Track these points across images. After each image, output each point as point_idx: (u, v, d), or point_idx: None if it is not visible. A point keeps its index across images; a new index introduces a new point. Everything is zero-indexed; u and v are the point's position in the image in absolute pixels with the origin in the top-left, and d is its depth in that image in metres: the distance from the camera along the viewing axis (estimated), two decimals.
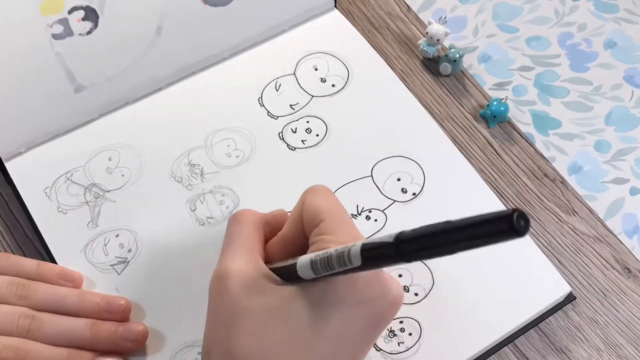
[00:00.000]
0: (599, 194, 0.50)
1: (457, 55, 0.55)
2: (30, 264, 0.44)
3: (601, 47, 0.59)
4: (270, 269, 0.37)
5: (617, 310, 0.47)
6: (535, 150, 0.53)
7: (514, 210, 0.25)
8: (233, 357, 0.34)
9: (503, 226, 0.25)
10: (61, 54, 0.48)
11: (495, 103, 0.53)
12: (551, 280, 0.45)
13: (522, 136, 0.53)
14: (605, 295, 0.48)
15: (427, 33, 0.55)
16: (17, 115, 0.48)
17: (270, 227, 0.40)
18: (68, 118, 0.49)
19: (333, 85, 0.52)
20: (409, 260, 0.29)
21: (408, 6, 0.58)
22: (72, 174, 0.48)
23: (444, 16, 0.57)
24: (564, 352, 0.46)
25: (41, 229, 0.46)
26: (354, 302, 0.35)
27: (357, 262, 0.32)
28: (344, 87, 0.52)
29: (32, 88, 0.48)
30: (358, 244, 0.32)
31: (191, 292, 0.44)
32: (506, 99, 0.54)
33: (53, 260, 0.45)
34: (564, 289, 0.45)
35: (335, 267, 0.33)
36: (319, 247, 0.35)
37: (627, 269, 0.49)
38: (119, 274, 0.45)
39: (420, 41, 0.56)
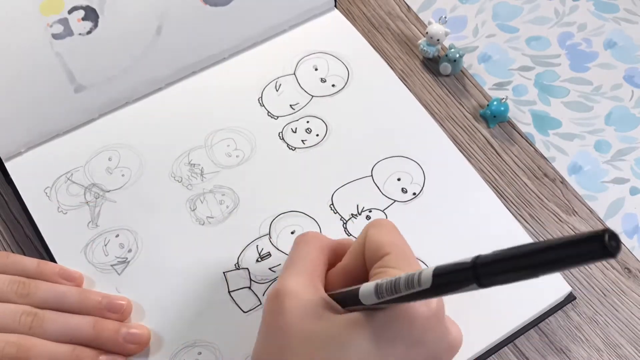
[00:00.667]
0: (599, 194, 0.50)
1: (457, 55, 0.55)
2: (30, 262, 0.44)
3: (601, 47, 0.59)
4: (329, 295, 0.37)
5: (617, 310, 0.47)
6: (535, 150, 0.53)
7: (605, 230, 0.24)
8: None
9: (594, 247, 0.24)
10: (61, 54, 0.48)
11: (495, 103, 0.53)
12: (551, 281, 0.45)
13: (522, 136, 0.53)
14: (605, 295, 0.48)
15: (427, 33, 0.55)
16: (17, 115, 0.47)
17: (335, 254, 0.40)
18: (68, 118, 0.49)
19: (333, 85, 0.52)
20: (485, 285, 0.28)
21: (408, 6, 0.58)
22: (72, 174, 0.48)
23: (444, 16, 0.57)
24: (564, 352, 0.46)
25: (41, 229, 0.46)
26: (412, 340, 0.34)
27: (426, 284, 0.30)
28: (344, 87, 0.52)
29: (32, 88, 0.48)
30: (431, 268, 0.31)
31: (192, 292, 0.44)
32: (506, 99, 0.54)
33: (53, 260, 0.45)
34: (564, 289, 0.45)
35: (401, 289, 0.32)
36: (382, 277, 0.34)
37: (627, 269, 0.49)
38: (119, 274, 0.45)
39: (420, 41, 0.56)
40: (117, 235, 0.46)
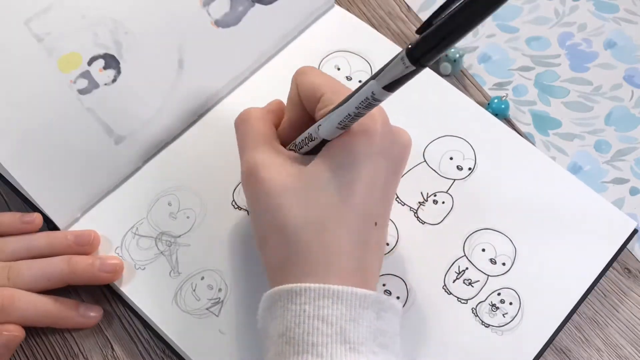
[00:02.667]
0: (599, 194, 0.50)
1: (457, 55, 0.55)
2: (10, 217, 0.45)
3: (601, 47, 0.59)
4: (288, 149, 0.41)
5: (617, 310, 0.48)
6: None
7: None
8: (291, 232, 0.37)
9: None
10: (92, 109, 0.46)
11: (496, 101, 0.54)
12: (616, 220, 0.48)
13: (522, 136, 0.53)
14: (605, 295, 0.48)
15: None
16: (66, 182, 0.46)
17: (276, 116, 0.43)
18: (115, 172, 0.47)
19: (360, 81, 0.52)
20: (421, 61, 0.30)
21: (408, 6, 0.58)
22: (137, 228, 0.47)
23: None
24: (564, 352, 0.46)
25: (125, 291, 0.45)
26: (372, 154, 0.38)
27: (377, 88, 0.33)
28: None
29: (73, 150, 0.46)
30: (374, 76, 0.33)
31: None
32: (506, 97, 0.54)
33: (151, 326, 0.45)
34: (631, 225, 0.48)
35: (356, 107, 0.35)
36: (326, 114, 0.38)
37: (627, 269, 0.49)
38: (217, 316, 0.44)
39: None
40: (203, 278, 0.45)
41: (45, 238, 0.45)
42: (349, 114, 0.36)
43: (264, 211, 0.39)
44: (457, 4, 0.29)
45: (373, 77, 0.33)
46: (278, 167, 0.39)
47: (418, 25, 0.57)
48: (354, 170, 0.38)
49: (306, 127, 0.41)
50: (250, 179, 0.40)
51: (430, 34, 0.30)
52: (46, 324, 0.44)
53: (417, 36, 0.31)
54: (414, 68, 0.31)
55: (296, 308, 0.36)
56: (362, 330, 0.36)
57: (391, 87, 0.33)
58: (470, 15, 0.28)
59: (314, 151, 0.40)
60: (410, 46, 0.31)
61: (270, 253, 0.39)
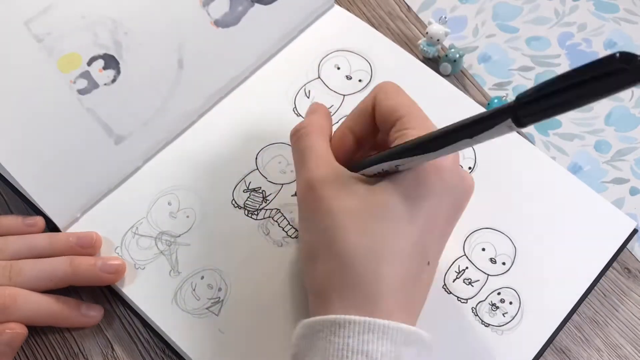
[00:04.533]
0: (599, 194, 0.50)
1: (457, 55, 0.55)
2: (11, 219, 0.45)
3: (601, 47, 0.59)
4: (352, 168, 0.40)
5: (617, 310, 0.48)
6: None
7: (628, 54, 0.25)
8: (343, 256, 0.36)
9: (627, 69, 0.25)
10: (92, 109, 0.46)
11: (496, 101, 0.54)
12: (616, 220, 0.48)
13: (522, 136, 0.53)
14: (605, 295, 0.48)
15: (427, 33, 0.55)
16: (65, 181, 0.46)
17: (329, 125, 0.43)
18: (115, 172, 0.47)
19: (360, 81, 0.52)
20: (524, 123, 0.29)
21: (408, 6, 0.58)
22: (136, 227, 0.47)
23: (444, 16, 0.57)
24: (564, 352, 0.46)
25: (125, 290, 0.45)
26: (440, 191, 0.38)
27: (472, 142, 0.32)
28: (370, 80, 0.52)
29: (73, 150, 0.46)
30: (467, 132, 0.32)
31: (290, 313, 0.44)
32: (506, 97, 0.54)
33: (149, 324, 0.45)
34: (631, 224, 0.48)
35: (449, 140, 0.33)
36: (404, 140, 0.37)
37: (627, 269, 0.49)
38: (217, 315, 0.44)
39: (420, 41, 0.56)
40: (203, 277, 0.45)
41: (47, 239, 0.45)
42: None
43: (320, 230, 0.38)
44: (575, 79, 0.27)
45: (466, 133, 0.32)
46: (340, 187, 0.38)
47: (418, 25, 0.57)
48: (420, 204, 0.37)
49: (368, 139, 0.40)
50: (310, 195, 0.39)
51: (542, 102, 0.28)
52: (48, 323, 0.44)
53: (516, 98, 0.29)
54: (517, 129, 0.30)
55: (339, 341, 0.34)
56: None
57: (483, 133, 0.32)
58: (589, 92, 0.27)
59: (376, 175, 0.39)
60: (516, 110, 0.29)
61: (318, 274, 0.38)
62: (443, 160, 0.38)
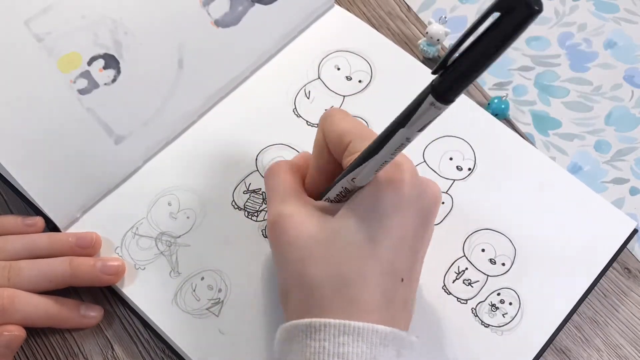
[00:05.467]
0: (599, 194, 0.50)
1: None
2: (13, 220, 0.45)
3: (601, 47, 0.59)
4: (318, 200, 0.40)
5: (617, 310, 0.48)
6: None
7: None
8: (313, 287, 0.36)
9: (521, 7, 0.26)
10: (92, 109, 0.46)
11: (496, 101, 0.54)
12: (616, 220, 0.48)
13: (522, 136, 0.53)
14: (605, 295, 0.48)
15: (427, 33, 0.55)
16: (65, 181, 0.45)
17: (304, 168, 0.42)
18: (115, 172, 0.47)
19: (360, 81, 0.52)
20: (449, 98, 0.30)
21: (408, 6, 0.58)
22: (137, 228, 0.47)
23: (444, 16, 0.57)
24: (564, 352, 0.46)
25: (125, 290, 0.45)
26: (400, 206, 0.37)
27: (410, 133, 0.32)
28: (370, 80, 0.52)
29: (72, 150, 0.46)
30: (401, 122, 0.33)
31: None
32: (506, 97, 0.54)
33: (149, 325, 0.45)
34: (631, 225, 0.48)
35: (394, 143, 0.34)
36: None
37: (627, 269, 0.49)
38: (217, 316, 0.44)
39: (420, 41, 0.56)
40: (203, 278, 0.45)
41: (46, 239, 0.45)
42: (386, 161, 0.35)
43: (288, 262, 0.38)
44: (473, 38, 0.28)
45: (400, 123, 0.33)
46: (304, 218, 0.38)
47: (418, 25, 0.57)
48: (381, 223, 0.37)
49: (333, 172, 0.40)
50: (276, 229, 0.39)
51: (451, 71, 0.29)
52: (47, 324, 0.44)
53: (433, 75, 0.30)
54: (446, 107, 0.30)
55: (315, 344, 0.35)
56: None
57: (423, 128, 0.32)
58: (487, 48, 0.28)
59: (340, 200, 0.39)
60: (433, 85, 0.30)
61: (292, 307, 0.38)
62: (397, 174, 0.37)
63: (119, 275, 0.45)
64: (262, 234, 0.47)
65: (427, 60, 0.56)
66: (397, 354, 0.36)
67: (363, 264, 0.36)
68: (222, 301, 0.45)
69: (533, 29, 0.59)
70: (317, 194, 0.41)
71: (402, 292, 0.38)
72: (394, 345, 0.35)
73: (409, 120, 0.32)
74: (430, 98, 0.30)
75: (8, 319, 0.42)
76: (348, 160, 0.38)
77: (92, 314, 0.44)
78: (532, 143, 0.53)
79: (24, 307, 0.42)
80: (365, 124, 0.40)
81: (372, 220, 0.37)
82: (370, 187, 0.37)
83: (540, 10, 0.26)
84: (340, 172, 0.39)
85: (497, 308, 0.45)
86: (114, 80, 0.47)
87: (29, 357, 0.45)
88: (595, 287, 0.48)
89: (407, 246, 0.38)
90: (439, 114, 0.31)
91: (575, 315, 0.47)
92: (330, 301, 0.36)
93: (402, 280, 0.38)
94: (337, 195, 0.39)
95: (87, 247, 0.45)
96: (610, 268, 0.48)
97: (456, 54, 0.29)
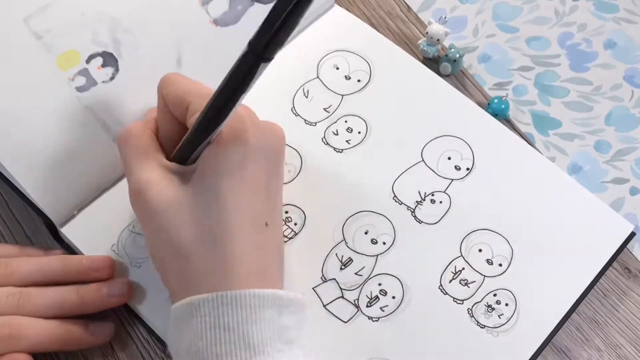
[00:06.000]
0: (599, 194, 0.50)
1: (457, 55, 0.55)
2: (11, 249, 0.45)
3: (601, 47, 0.59)
4: (172, 157, 0.40)
5: (617, 310, 0.47)
6: (536, 150, 0.53)
7: None
8: (183, 252, 0.37)
9: None
10: (90, 106, 0.46)
11: (496, 101, 0.54)
12: (613, 223, 0.48)
13: (522, 136, 0.53)
14: (605, 295, 0.48)
15: (427, 33, 0.55)
16: (62, 178, 0.45)
17: (156, 124, 0.43)
18: (111, 169, 0.47)
19: (359, 81, 0.52)
20: (267, 56, 0.33)
21: (408, 6, 0.58)
22: (133, 225, 0.46)
23: (444, 16, 0.57)
24: (564, 352, 0.46)
25: None
26: (249, 154, 0.39)
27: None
28: (369, 80, 0.52)
29: (70, 148, 0.45)
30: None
31: None
32: (506, 97, 0.54)
33: (144, 322, 0.45)
34: (628, 228, 0.48)
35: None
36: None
37: (627, 269, 0.49)
38: None
39: (420, 41, 0.56)
40: None
41: (60, 262, 0.44)
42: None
43: (156, 231, 0.39)
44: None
45: (239, 89, 0.36)
46: (163, 184, 0.39)
47: (418, 25, 0.57)
48: (233, 176, 0.38)
49: (181, 134, 0.41)
50: (138, 199, 0.39)
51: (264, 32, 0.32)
52: (57, 349, 0.43)
53: None
54: (264, 61, 0.34)
55: (197, 321, 0.36)
56: (265, 331, 0.36)
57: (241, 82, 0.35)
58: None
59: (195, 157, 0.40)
60: (251, 44, 0.33)
61: (169, 273, 0.39)
62: (239, 125, 0.39)
63: (126, 295, 0.44)
64: None
65: (427, 60, 0.56)
66: (279, 312, 0.37)
67: (225, 217, 0.37)
68: None
69: (533, 29, 0.59)
70: (169, 152, 0.42)
71: (269, 236, 0.39)
72: (274, 305, 0.36)
73: (247, 86, 0.35)
74: (248, 56, 0.34)
75: (15, 346, 0.41)
76: (192, 121, 0.39)
77: (102, 331, 0.44)
78: (532, 143, 0.53)
79: (32, 334, 0.41)
80: (204, 84, 0.42)
81: (225, 174, 0.38)
82: (218, 144, 0.38)
83: None
84: (186, 132, 0.40)
85: (493, 309, 0.45)
86: (112, 78, 0.47)
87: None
88: (595, 287, 0.48)
89: (262, 191, 0.39)
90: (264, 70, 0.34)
91: (575, 315, 0.47)
92: (203, 259, 0.37)
93: (267, 224, 0.39)
94: (188, 156, 0.40)
95: (101, 270, 0.44)
96: (610, 268, 0.48)
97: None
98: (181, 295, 0.38)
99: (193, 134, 0.39)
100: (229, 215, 0.38)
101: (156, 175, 0.39)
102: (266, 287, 0.37)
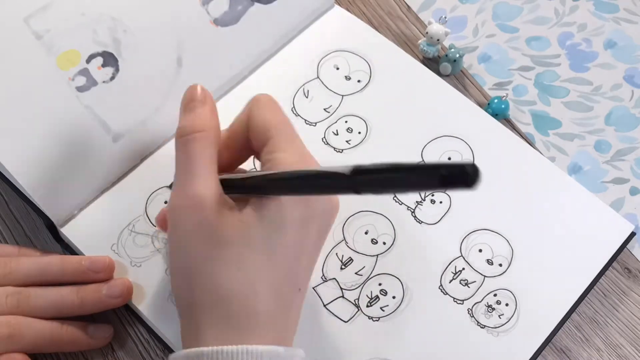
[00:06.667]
0: (599, 194, 0.50)
1: (457, 55, 0.55)
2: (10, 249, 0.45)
3: (601, 47, 0.59)
4: (221, 180, 0.38)
5: (617, 310, 0.47)
6: (536, 150, 0.53)
7: (467, 163, 0.26)
8: (220, 291, 0.36)
9: (457, 173, 0.27)
10: (90, 106, 0.46)
11: (496, 101, 0.54)
12: (614, 223, 0.48)
13: (522, 136, 0.53)
14: (605, 295, 0.48)
15: (427, 33, 0.55)
16: (62, 179, 0.45)
17: (219, 135, 0.40)
18: (112, 169, 0.47)
19: (359, 81, 0.52)
20: (359, 191, 0.31)
21: (408, 6, 0.58)
22: (133, 225, 0.46)
23: (444, 16, 0.57)
24: (564, 352, 0.46)
25: None
26: (306, 219, 0.37)
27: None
28: (369, 80, 0.52)
29: (71, 148, 0.45)
30: (318, 169, 0.34)
31: None
32: (506, 97, 0.54)
33: (143, 322, 0.45)
34: (628, 228, 0.48)
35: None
36: (272, 167, 0.37)
37: (627, 269, 0.49)
38: None
39: (420, 41, 0.56)
40: None
41: (59, 262, 0.44)
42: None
43: (200, 258, 0.37)
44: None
45: (314, 188, 0.34)
46: (221, 213, 0.36)
47: (418, 25, 0.57)
48: (286, 233, 0.36)
49: (240, 154, 0.40)
50: (194, 215, 0.36)
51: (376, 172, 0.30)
52: (55, 349, 0.44)
53: None
54: (352, 191, 0.31)
55: None
56: None
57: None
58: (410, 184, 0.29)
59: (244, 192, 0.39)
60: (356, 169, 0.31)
61: (192, 302, 0.37)
62: None
63: (127, 295, 0.44)
64: None
65: (427, 60, 0.56)
66: None
67: (269, 274, 0.36)
68: None
69: (533, 29, 0.59)
70: (221, 168, 0.39)
71: (298, 300, 0.38)
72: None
73: (325, 193, 0.34)
74: (347, 187, 0.31)
75: (14, 346, 0.41)
76: (267, 158, 0.37)
77: (101, 334, 0.44)
78: (532, 143, 0.53)
79: (32, 334, 0.41)
80: (292, 122, 0.40)
81: (278, 228, 0.36)
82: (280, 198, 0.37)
83: (469, 187, 0.27)
84: (248, 156, 0.39)
85: (493, 309, 0.45)
86: (112, 78, 0.47)
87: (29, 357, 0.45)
88: (595, 287, 0.48)
89: (306, 258, 0.38)
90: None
91: (575, 315, 0.47)
92: (234, 312, 0.36)
93: (300, 290, 0.38)
94: (243, 190, 0.38)
95: (100, 271, 0.44)
96: (610, 268, 0.48)
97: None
98: (195, 329, 0.37)
99: (260, 186, 0.37)
100: (273, 272, 0.36)
101: (216, 200, 0.36)
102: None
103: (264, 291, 0.36)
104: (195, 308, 0.37)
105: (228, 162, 0.41)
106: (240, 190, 0.38)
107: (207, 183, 0.36)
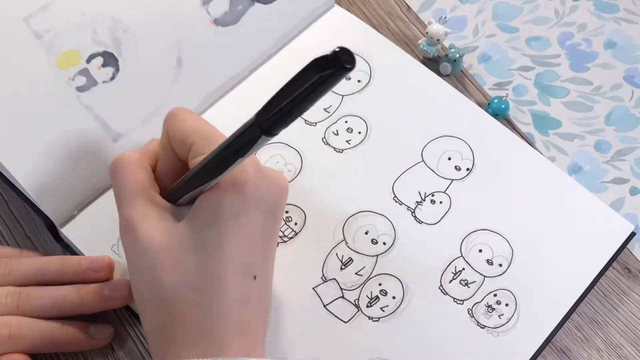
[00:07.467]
0: (599, 194, 0.50)
1: (457, 55, 0.55)
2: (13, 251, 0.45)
3: (601, 47, 0.59)
4: (166, 194, 0.39)
5: (617, 310, 0.47)
6: (536, 150, 0.53)
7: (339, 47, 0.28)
8: (165, 295, 0.36)
9: (330, 57, 0.29)
10: (91, 106, 0.46)
11: (496, 101, 0.54)
12: (614, 223, 0.48)
13: (522, 136, 0.53)
14: (605, 295, 0.48)
15: (427, 33, 0.55)
16: (62, 179, 0.45)
17: (154, 156, 0.42)
18: None
19: (359, 81, 0.52)
20: (271, 132, 0.31)
21: (408, 6, 0.58)
22: None
23: (444, 16, 0.57)
24: (564, 352, 0.46)
25: None
26: (246, 206, 0.37)
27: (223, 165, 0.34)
28: (369, 80, 0.52)
29: (71, 148, 0.45)
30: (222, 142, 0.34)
31: (288, 314, 0.44)
32: (506, 97, 0.54)
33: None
34: (628, 228, 0.48)
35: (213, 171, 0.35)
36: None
37: (627, 269, 0.49)
38: None
39: (420, 41, 0.56)
40: None
41: (58, 263, 0.44)
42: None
43: (141, 271, 0.38)
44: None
45: (237, 153, 0.34)
46: (154, 223, 0.37)
47: (418, 25, 0.57)
48: (226, 225, 0.36)
49: (179, 171, 0.40)
50: (127, 235, 0.38)
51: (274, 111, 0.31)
52: (56, 350, 0.44)
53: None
54: (269, 138, 0.32)
55: None
56: None
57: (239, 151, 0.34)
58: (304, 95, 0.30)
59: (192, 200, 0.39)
60: (259, 121, 0.31)
61: (149, 316, 0.38)
62: (240, 174, 0.37)
63: (127, 297, 0.44)
64: None
65: (427, 60, 0.56)
66: None
67: (212, 268, 0.36)
68: None
69: (533, 29, 0.59)
70: (165, 188, 0.41)
71: (256, 289, 0.38)
72: None
73: (246, 154, 0.33)
74: (259, 134, 0.32)
75: (15, 347, 0.41)
76: (193, 162, 0.38)
77: (102, 334, 0.44)
78: (532, 143, 0.53)
79: (32, 334, 0.41)
80: (211, 123, 0.40)
81: (217, 223, 0.36)
82: (214, 190, 0.37)
83: (352, 68, 0.28)
84: (186, 171, 0.39)
85: (493, 309, 0.45)
86: (112, 78, 0.47)
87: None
88: (595, 287, 0.48)
89: (255, 243, 0.38)
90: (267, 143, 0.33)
91: (575, 315, 0.47)
92: (186, 309, 0.36)
93: (255, 277, 0.38)
94: (183, 197, 0.38)
95: (100, 271, 0.44)
96: (610, 268, 0.48)
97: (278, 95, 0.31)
98: (162, 344, 0.37)
99: (191, 179, 0.37)
100: (214, 265, 0.36)
101: (147, 212, 0.38)
102: (249, 348, 0.36)
103: (211, 290, 0.36)
104: (155, 326, 0.37)
105: (173, 176, 0.41)
106: (184, 194, 0.38)
107: (131, 203, 0.38)
